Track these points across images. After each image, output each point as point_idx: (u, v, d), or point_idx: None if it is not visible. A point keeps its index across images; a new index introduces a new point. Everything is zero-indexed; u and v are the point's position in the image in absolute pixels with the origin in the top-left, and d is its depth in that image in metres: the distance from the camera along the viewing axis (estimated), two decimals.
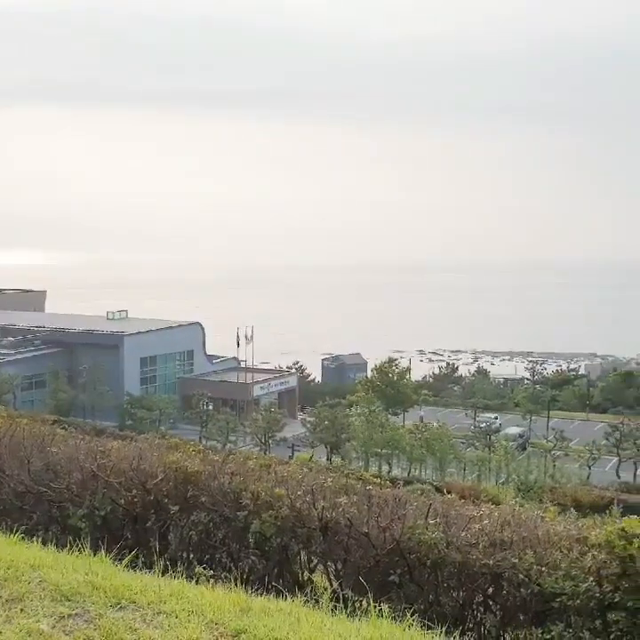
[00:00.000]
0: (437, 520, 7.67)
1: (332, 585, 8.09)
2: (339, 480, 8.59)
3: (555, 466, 57.09)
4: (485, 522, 7.66)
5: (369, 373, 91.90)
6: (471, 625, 7.69)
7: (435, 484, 44.65)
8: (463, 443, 62.81)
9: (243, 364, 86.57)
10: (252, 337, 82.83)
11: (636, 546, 6.81)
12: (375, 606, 6.65)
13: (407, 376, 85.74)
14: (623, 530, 6.93)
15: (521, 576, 7.08)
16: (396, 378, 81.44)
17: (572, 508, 28.31)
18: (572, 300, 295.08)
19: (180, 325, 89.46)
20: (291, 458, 54.64)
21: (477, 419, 76.43)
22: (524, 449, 66.45)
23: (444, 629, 6.52)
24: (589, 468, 58.32)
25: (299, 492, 8.22)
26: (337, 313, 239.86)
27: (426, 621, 6.70)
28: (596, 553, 6.99)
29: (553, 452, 60.50)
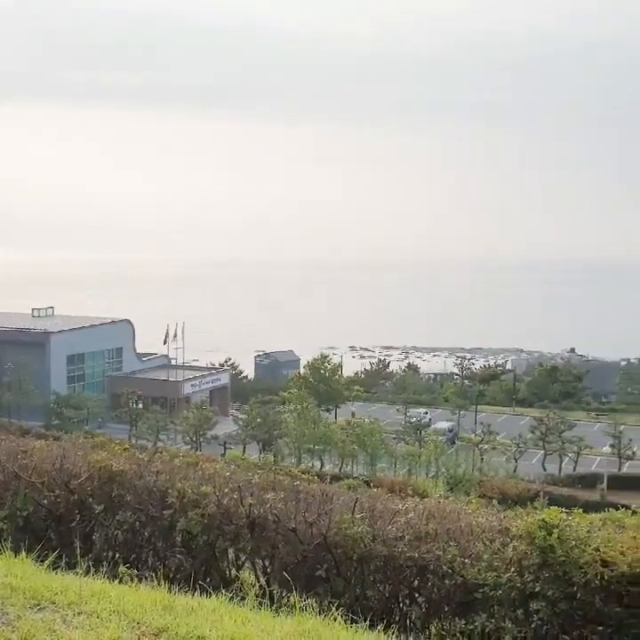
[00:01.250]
0: (364, 514, 7.73)
1: (259, 581, 8.09)
2: (267, 476, 8.57)
3: (483, 459, 58.20)
4: (411, 515, 7.76)
5: (301, 370, 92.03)
6: (397, 617, 7.78)
7: (366, 479, 45.01)
8: (394, 438, 63.46)
9: (173, 362, 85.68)
10: (182, 334, 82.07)
11: (556, 536, 6.99)
12: (302, 601, 6.67)
13: (339, 372, 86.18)
14: (543, 521, 7.11)
15: (445, 568, 7.19)
16: (328, 374, 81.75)
17: (494, 501, 28.82)
18: (500, 297, 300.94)
19: (108, 323, 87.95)
20: (223, 456, 54.36)
21: (408, 414, 77.29)
22: (453, 443, 67.52)
23: (368, 622, 6.56)
24: (516, 461, 59.59)
25: (226, 490, 8.18)
26: (270, 309, 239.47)
27: (351, 615, 6.76)
28: (517, 544, 7.15)
29: (481, 446, 61.64)
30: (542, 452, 62.42)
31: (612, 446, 62.07)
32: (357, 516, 7.67)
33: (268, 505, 7.90)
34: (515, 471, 56.98)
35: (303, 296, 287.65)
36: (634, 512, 7.74)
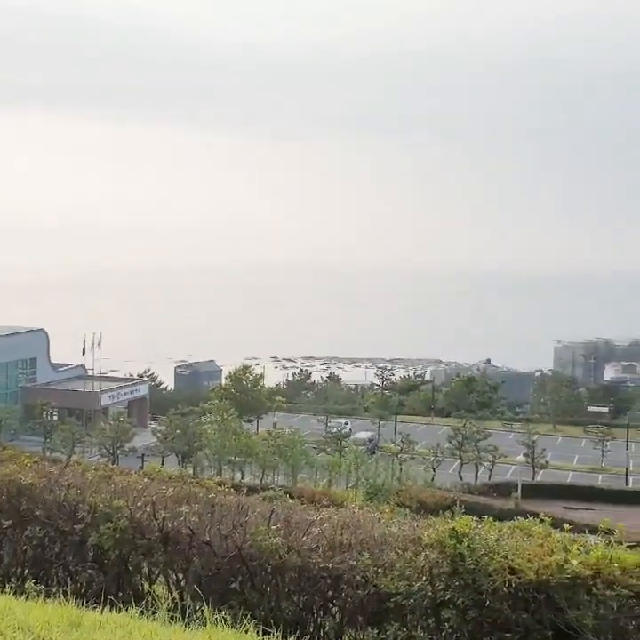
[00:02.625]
0: (279, 526, 7.73)
1: (172, 595, 7.99)
2: (181, 489, 8.48)
3: (401, 469, 58.84)
4: (326, 525, 7.79)
5: (223, 381, 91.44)
6: (311, 628, 7.80)
7: (286, 489, 44.95)
8: (315, 448, 63.61)
9: (90, 373, 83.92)
10: (98, 345, 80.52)
11: (466, 545, 7.13)
12: (215, 614, 6.64)
13: (261, 383, 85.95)
14: (454, 530, 7.24)
15: (358, 577, 7.25)
16: (249, 385, 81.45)
17: (406, 510, 29.26)
18: (421, 309, 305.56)
19: (21, 332, 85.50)
20: (141, 468, 53.46)
21: (329, 424, 77.64)
22: (373, 453, 68.08)
23: (280, 634, 6.57)
24: (434, 471, 60.47)
25: (139, 503, 8.07)
26: (190, 318, 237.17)
27: (264, 627, 6.75)
28: (428, 553, 7.26)
29: (400, 456, 62.34)
30: (459, 461, 63.50)
31: (526, 455, 63.62)
32: (273, 528, 7.67)
33: (182, 518, 7.83)
34: (432, 480, 57.80)
35: (224, 305, 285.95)
36: (541, 520, 7.94)
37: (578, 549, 7.35)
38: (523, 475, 58.64)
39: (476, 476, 61.25)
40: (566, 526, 7.75)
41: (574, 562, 7.11)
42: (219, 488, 8.61)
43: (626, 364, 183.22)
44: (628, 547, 8.26)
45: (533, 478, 61.39)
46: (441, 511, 8.50)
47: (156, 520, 7.89)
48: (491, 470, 61.83)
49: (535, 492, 55.22)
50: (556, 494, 55.02)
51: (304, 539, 7.63)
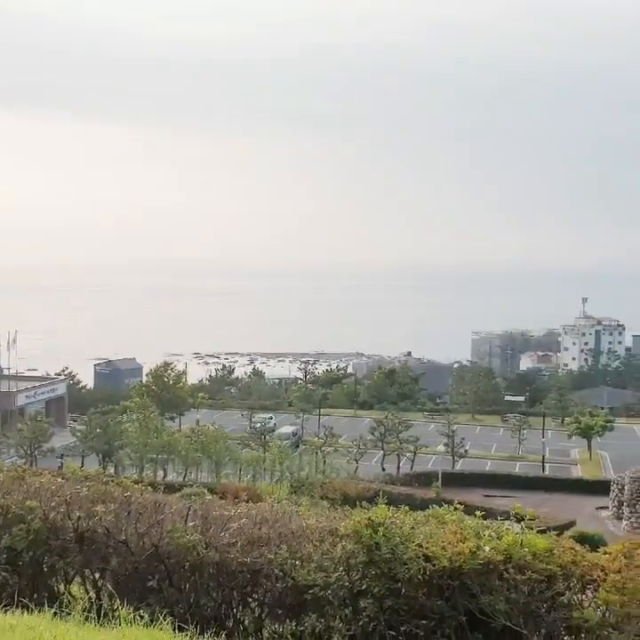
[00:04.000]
0: (196, 522, 7.70)
1: (88, 594, 7.88)
2: (97, 488, 8.35)
3: (325, 461, 59.19)
4: (244, 520, 7.80)
5: (144, 378, 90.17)
6: (231, 623, 7.80)
7: (210, 486, 44.69)
8: (239, 444, 63.43)
9: (6, 372, 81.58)
10: (14, 343, 78.33)
11: (382, 534, 7.24)
12: (132, 613, 6.58)
13: (183, 379, 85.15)
14: (370, 519, 7.35)
15: (276, 571, 7.28)
16: (171, 382, 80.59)
17: (324, 502, 29.52)
18: (342, 303, 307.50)
19: None
20: (60, 468, 52.30)
21: (253, 419, 77.52)
22: (297, 447, 68.33)
23: (198, 630, 6.55)
24: (357, 462, 61.06)
25: (52, 504, 7.92)
26: (109, 316, 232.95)
27: (182, 624, 6.72)
28: (345, 543, 7.35)
29: (323, 449, 62.72)
30: (381, 452, 64.27)
31: (446, 445, 64.83)
32: (190, 525, 7.63)
33: (98, 517, 7.72)
34: (356, 472, 58.36)
35: (146, 302, 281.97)
36: (455, 508, 8.13)
37: (490, 535, 7.56)
38: (443, 464, 59.76)
39: (398, 466, 62.11)
40: (477, 513, 7.96)
41: (486, 548, 7.31)
42: (135, 486, 8.51)
43: (541, 353, 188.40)
44: (539, 531, 8.53)
45: (453, 467, 62.62)
46: (363, 502, 8.59)
47: (71, 520, 7.76)
48: (412, 460, 62.79)
49: (455, 480, 56.35)
50: (475, 482, 56.30)
51: (222, 534, 7.63)
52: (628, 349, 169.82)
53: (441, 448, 64.48)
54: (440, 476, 55.59)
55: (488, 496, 50.00)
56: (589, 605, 7.69)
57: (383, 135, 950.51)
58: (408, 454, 63.04)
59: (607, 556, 7.91)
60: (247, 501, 8.56)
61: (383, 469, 61.55)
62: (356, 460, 61.38)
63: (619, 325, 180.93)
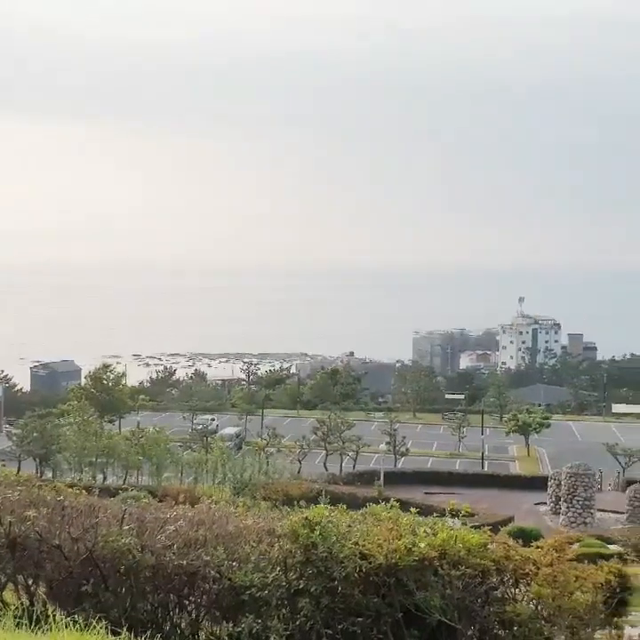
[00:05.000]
0: (132, 525, 7.63)
1: (21, 601, 7.74)
2: (29, 492, 8.20)
3: (268, 462, 59.04)
4: (180, 523, 7.75)
5: (82, 381, 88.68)
6: (168, 627, 7.75)
7: (151, 489, 44.20)
8: (181, 446, 62.83)
9: None
10: None
11: (318, 533, 7.29)
12: (66, 618, 6.48)
13: (123, 382, 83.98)
14: (307, 519, 7.38)
15: (213, 573, 7.27)
16: (111, 384, 79.41)
17: (262, 503, 29.54)
18: (286, 303, 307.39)
19: None
20: None
21: (195, 421, 76.88)
22: (240, 448, 68.01)
23: (131, 634, 6.49)
24: (300, 463, 61.06)
25: None
26: (45, 317, 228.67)
27: (117, 628, 6.65)
28: (283, 543, 7.37)
29: (266, 450, 62.55)
30: (324, 452, 64.40)
31: (388, 444, 65.26)
32: (125, 528, 7.56)
33: (30, 522, 7.58)
34: (299, 472, 58.34)
35: (87, 303, 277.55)
36: (392, 505, 8.21)
37: (425, 532, 7.66)
38: (385, 463, 60.16)
39: (341, 466, 62.29)
40: (413, 510, 8.05)
41: (422, 544, 7.41)
42: (69, 490, 8.39)
43: (480, 352, 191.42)
44: (474, 527, 8.67)
45: (395, 466, 63.09)
46: (302, 502, 8.62)
47: (2, 526, 7.61)
48: (355, 460, 63.05)
49: (397, 478, 56.82)
50: (417, 480, 56.88)
51: (158, 537, 7.57)
52: (563, 348, 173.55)
53: (383, 447, 64.83)
54: (382, 474, 55.96)
55: (429, 493, 50.57)
56: (523, 599, 7.85)
57: (340, 138, 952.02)
58: (350, 453, 63.27)
59: (539, 550, 8.10)
60: (184, 503, 8.51)
61: (326, 469, 61.66)
62: (299, 460, 61.36)
63: (555, 324, 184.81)
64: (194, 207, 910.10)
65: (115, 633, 6.37)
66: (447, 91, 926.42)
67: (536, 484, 54.64)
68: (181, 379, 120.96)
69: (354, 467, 62.07)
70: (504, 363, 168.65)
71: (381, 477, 54.96)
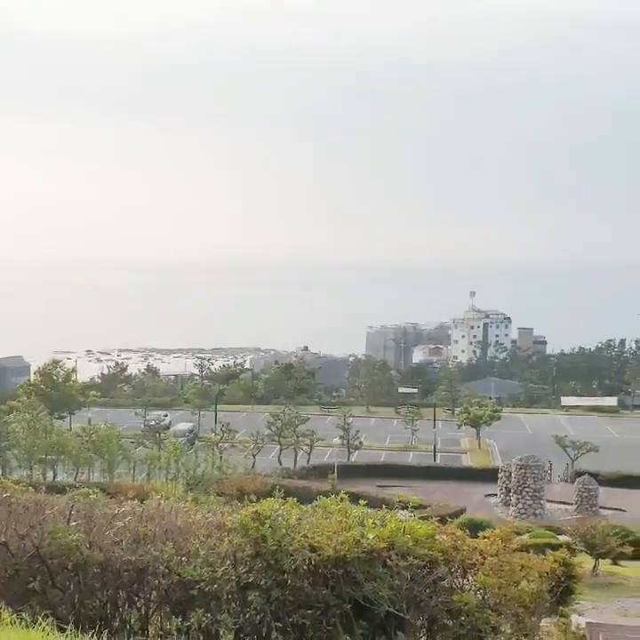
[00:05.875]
0: (79, 522, 7.57)
1: None
2: None
3: (222, 458, 58.87)
4: (129, 518, 7.72)
5: (32, 377, 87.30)
6: (117, 623, 7.71)
7: (102, 486, 43.75)
8: (133, 442, 62.28)
9: None
10: None
11: (268, 527, 7.32)
12: (12, 615, 6.41)
13: (73, 378, 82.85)
14: (256, 513, 7.41)
15: (162, 568, 7.26)
16: (61, 380, 78.29)
17: (211, 497, 29.44)
18: (239, 298, 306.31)
19: None
20: None
21: (147, 417, 76.23)
22: (193, 444, 67.65)
23: (80, 631, 6.44)
24: (254, 458, 61.01)
25: None
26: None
27: (64, 626, 6.59)
28: (232, 537, 7.38)
29: (220, 445, 62.35)
30: (279, 446, 64.44)
31: (342, 437, 65.58)
32: (72, 524, 7.49)
33: None
34: (253, 467, 58.32)
35: (37, 298, 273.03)
36: (342, 499, 8.28)
37: (374, 523, 7.75)
38: (339, 456, 60.43)
39: (295, 460, 62.42)
40: (361, 502, 8.13)
41: (370, 536, 7.49)
42: (16, 487, 8.27)
43: (433, 346, 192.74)
44: (422, 518, 8.78)
45: (349, 459, 63.42)
46: (252, 496, 8.63)
47: None
48: (309, 454, 63.22)
49: (351, 472, 57.11)
50: (370, 473, 57.24)
51: (106, 533, 7.53)
52: (513, 342, 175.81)
53: (337, 441, 65.10)
54: (336, 468, 56.19)
55: (382, 486, 50.89)
56: (470, 589, 7.98)
57: (316, 137, 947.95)
58: (305, 448, 63.41)
59: (486, 540, 8.24)
60: (133, 499, 8.46)
61: (280, 463, 61.72)
62: (253, 455, 61.30)
63: (505, 318, 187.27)
64: (159, 204, 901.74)
65: (62, 630, 6.32)
66: (423, 89, 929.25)
67: (487, 475, 55.35)
68: (133, 374, 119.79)
69: (308, 461, 62.23)
70: (456, 357, 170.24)
71: (335, 471, 55.18)
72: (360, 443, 66.20)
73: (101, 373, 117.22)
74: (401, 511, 8.86)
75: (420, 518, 8.40)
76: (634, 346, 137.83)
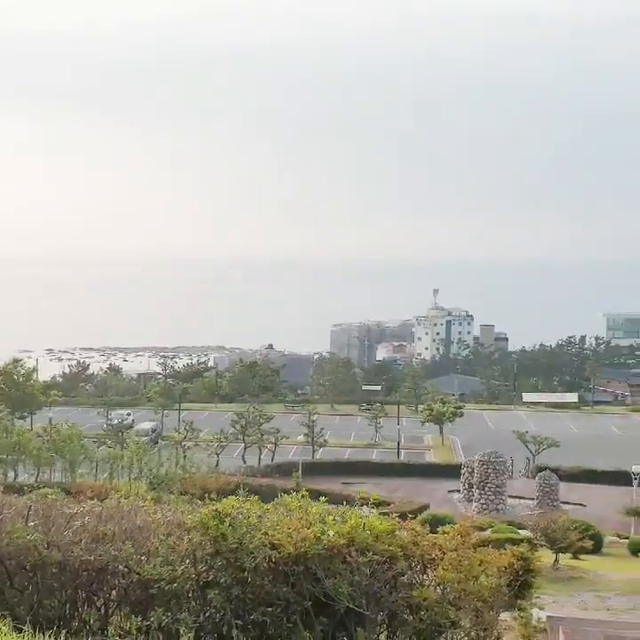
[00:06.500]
0: (37, 522, 7.50)
1: None
2: None
3: (185, 457, 58.57)
4: (88, 518, 7.66)
5: None
6: (76, 623, 7.66)
7: (64, 486, 43.28)
8: (95, 442, 61.70)
9: None
10: None
11: (228, 525, 7.32)
12: None
13: (34, 377, 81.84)
14: (216, 511, 7.40)
15: (121, 567, 7.22)
16: (21, 379, 77.28)
17: (172, 496, 29.38)
18: (203, 296, 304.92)
19: None
20: None
21: (110, 416, 75.59)
22: (157, 443, 67.20)
23: (38, 631, 6.40)
24: (218, 456, 60.78)
25: None
26: None
27: (21, 626, 6.54)
28: (192, 536, 7.37)
29: (184, 444, 62.02)
30: (243, 445, 64.29)
31: (307, 435, 65.63)
32: (31, 524, 7.42)
33: None
34: (217, 466, 58.09)
35: None
36: (303, 496, 8.31)
37: (334, 520, 7.79)
38: (304, 454, 60.46)
39: (260, 458, 62.31)
40: (322, 499, 8.16)
41: (331, 532, 7.53)
42: None
43: (396, 344, 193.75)
44: (383, 514, 8.85)
45: (314, 457, 63.47)
46: (213, 494, 8.63)
47: None
48: (273, 452, 63.17)
49: (316, 470, 57.13)
50: (335, 471, 57.33)
51: (65, 533, 7.47)
52: (476, 339, 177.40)
53: (301, 438, 65.15)
54: (300, 465, 56.18)
55: (346, 483, 51.01)
56: (430, 584, 8.06)
57: (257, 133, 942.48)
58: (269, 446, 63.32)
59: (445, 535, 8.33)
60: (93, 499, 8.41)
61: (244, 462, 61.55)
62: (216, 453, 61.06)
63: (468, 316, 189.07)
64: (123, 201, 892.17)
65: (20, 630, 6.27)
66: (393, 89, 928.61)
67: (450, 472, 55.79)
68: (96, 373, 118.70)
69: (272, 459, 62.18)
70: (419, 354, 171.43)
71: (300, 469, 55.20)
72: (325, 440, 66.30)
73: (63, 372, 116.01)
74: (364, 508, 8.91)
75: (380, 514, 8.46)
76: (594, 343, 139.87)
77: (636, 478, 44.09)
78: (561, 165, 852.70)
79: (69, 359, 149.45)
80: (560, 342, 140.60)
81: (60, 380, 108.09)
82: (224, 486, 43.74)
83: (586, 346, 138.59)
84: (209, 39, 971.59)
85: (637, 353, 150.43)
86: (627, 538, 36.17)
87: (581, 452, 62.83)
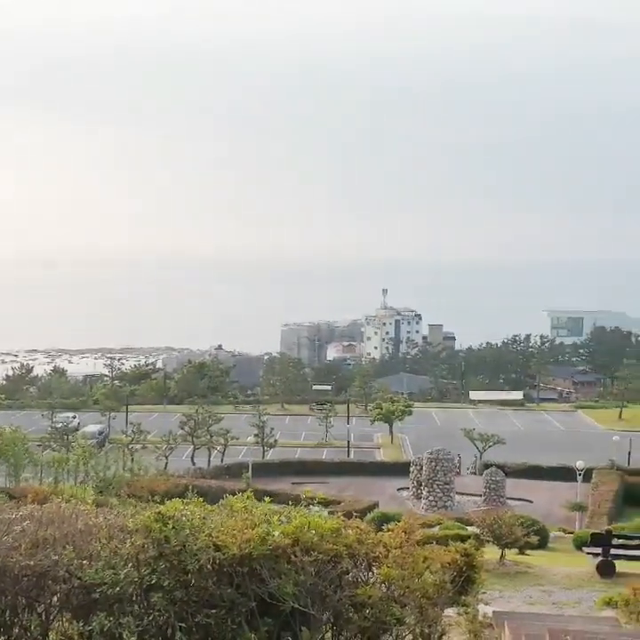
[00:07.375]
0: None
1: None
2: None
3: (133, 459, 57.95)
4: (27, 522, 7.53)
5: None
6: (17, 630, 7.52)
7: (7, 490, 42.45)
8: (40, 445, 60.68)
9: None
10: None
11: (171, 527, 7.25)
12: None
13: None
14: (159, 513, 7.33)
15: (62, 572, 7.11)
16: None
17: (113, 500, 29.05)
18: (152, 296, 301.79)
19: None
20: None
21: (54, 419, 74.39)
22: (103, 445, 66.36)
23: None
24: (166, 458, 60.31)
25: None
26: None
27: None
28: (135, 539, 7.29)
29: (131, 446, 61.37)
30: (192, 446, 63.89)
31: (257, 436, 65.48)
32: None
33: None
34: (165, 468, 57.60)
35: None
36: (247, 496, 8.29)
37: (279, 520, 7.78)
38: (254, 455, 60.30)
39: (209, 459, 62.01)
40: (267, 499, 8.15)
41: (276, 532, 7.52)
42: None
43: (346, 343, 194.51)
44: (330, 512, 8.87)
45: (264, 457, 63.38)
46: (159, 498, 8.55)
47: None
48: (223, 453, 62.91)
49: (266, 470, 57.05)
50: (285, 471, 57.28)
51: (4, 538, 7.32)
52: (424, 338, 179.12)
53: (251, 439, 65.01)
54: (250, 466, 56.02)
55: (297, 483, 51.00)
56: (375, 582, 8.10)
57: (203, 133, 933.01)
58: (218, 447, 63.04)
59: (390, 533, 8.38)
60: (33, 503, 8.26)
61: (194, 463, 61.20)
62: (165, 456, 60.57)
63: (416, 315, 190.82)
64: (67, 199, 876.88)
65: None
66: (343, 89, 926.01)
67: (399, 469, 56.17)
68: (40, 375, 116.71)
69: (222, 460, 61.95)
70: (369, 353, 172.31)
71: (250, 470, 55.04)
72: (275, 440, 66.27)
73: (6, 375, 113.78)
74: (313, 507, 8.92)
75: (328, 514, 8.48)
76: (538, 341, 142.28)
77: (579, 474, 44.91)
78: (515, 167, 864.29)
79: (13, 361, 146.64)
80: (506, 341, 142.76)
81: (4, 382, 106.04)
82: (172, 489, 43.42)
83: (531, 344, 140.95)
84: (177, 38, 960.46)
85: (580, 351, 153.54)
86: (571, 533, 36.79)
87: (527, 448, 63.90)
